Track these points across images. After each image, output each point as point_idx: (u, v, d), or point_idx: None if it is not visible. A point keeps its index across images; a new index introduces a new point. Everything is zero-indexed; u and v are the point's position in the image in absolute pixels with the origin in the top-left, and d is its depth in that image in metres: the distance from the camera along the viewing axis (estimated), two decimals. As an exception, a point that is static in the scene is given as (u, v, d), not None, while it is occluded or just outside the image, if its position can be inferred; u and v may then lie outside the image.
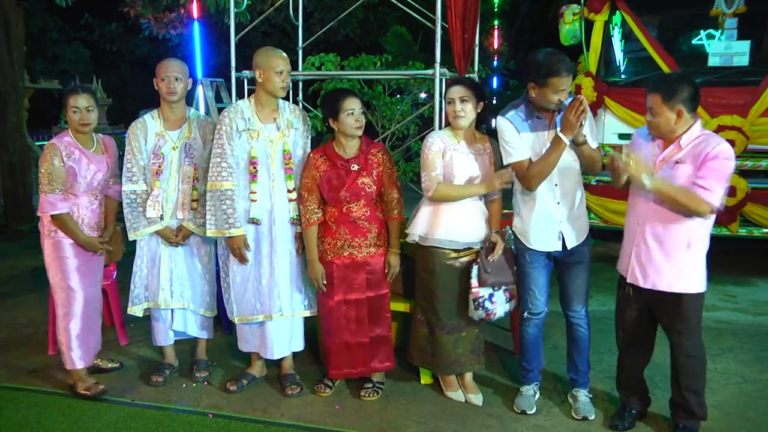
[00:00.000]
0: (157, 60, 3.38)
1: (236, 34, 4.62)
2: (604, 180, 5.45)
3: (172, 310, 3.39)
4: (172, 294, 3.33)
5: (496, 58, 10.33)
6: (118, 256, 3.60)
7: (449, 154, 2.97)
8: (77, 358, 3.22)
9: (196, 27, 5.00)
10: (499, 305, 3.00)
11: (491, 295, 2.97)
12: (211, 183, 3.08)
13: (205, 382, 3.38)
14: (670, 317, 2.74)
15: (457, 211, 2.99)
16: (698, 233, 2.66)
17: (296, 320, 3.29)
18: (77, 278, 3.23)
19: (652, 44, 5.32)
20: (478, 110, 2.98)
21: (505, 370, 3.50)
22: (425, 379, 3.33)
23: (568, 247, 2.88)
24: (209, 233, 3.12)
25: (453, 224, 2.98)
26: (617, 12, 5.62)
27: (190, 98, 3.38)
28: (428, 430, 2.92)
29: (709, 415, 2.84)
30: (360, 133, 3.07)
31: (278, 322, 3.20)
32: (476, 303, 2.97)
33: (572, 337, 3.04)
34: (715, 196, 2.54)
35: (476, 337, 3.18)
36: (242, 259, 3.12)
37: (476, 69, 4.80)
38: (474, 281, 2.96)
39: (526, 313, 3.03)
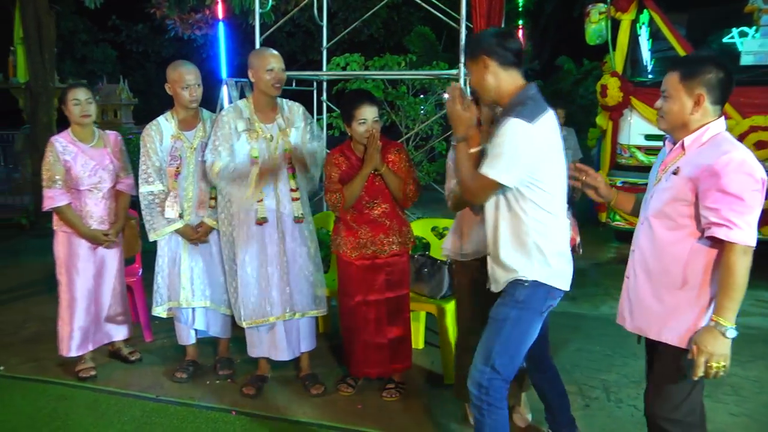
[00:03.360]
0: (183, 60, 3.35)
1: (261, 34, 4.66)
2: (630, 181, 5.38)
3: (193, 309, 3.42)
4: (193, 293, 3.36)
5: (520, 58, 10.31)
6: (134, 251, 3.68)
7: None
8: (75, 347, 3.37)
9: (221, 28, 5.05)
10: None
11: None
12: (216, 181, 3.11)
13: (229, 380, 3.40)
14: (660, 384, 2.03)
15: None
16: (701, 270, 1.89)
17: (305, 320, 3.26)
18: (80, 271, 3.35)
19: (681, 43, 5.22)
20: None
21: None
22: (448, 379, 3.31)
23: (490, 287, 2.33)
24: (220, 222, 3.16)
25: (482, 235, 2.62)
26: (644, 10, 5.54)
27: (215, 98, 3.40)
28: (450, 430, 2.90)
29: (740, 425, 2.76)
30: None
31: (288, 324, 3.19)
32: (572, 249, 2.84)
33: None
34: (744, 233, 1.78)
35: None
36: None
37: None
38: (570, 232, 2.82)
39: None
